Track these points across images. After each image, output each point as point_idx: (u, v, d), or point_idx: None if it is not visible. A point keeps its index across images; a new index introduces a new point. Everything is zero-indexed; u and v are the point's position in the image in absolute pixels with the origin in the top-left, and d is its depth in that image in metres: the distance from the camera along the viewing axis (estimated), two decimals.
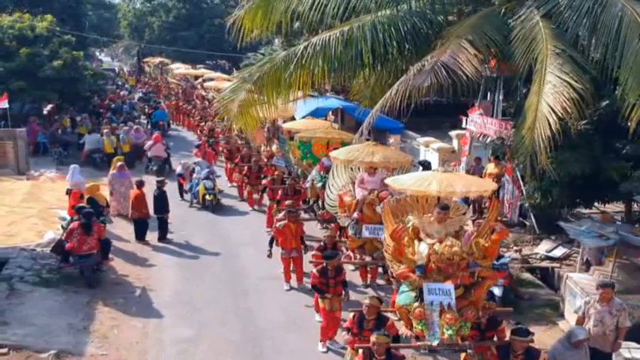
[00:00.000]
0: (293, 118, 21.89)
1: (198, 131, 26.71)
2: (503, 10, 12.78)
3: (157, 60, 47.75)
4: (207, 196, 18.27)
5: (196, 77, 36.45)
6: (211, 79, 31.88)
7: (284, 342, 10.45)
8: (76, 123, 28.31)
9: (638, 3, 10.88)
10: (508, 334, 8.00)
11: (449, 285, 8.03)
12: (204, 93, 31.45)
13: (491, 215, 8.59)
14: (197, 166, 19.21)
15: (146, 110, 34.31)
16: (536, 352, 7.81)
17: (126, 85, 48.79)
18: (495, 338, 8.37)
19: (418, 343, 8.57)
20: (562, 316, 10.79)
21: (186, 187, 19.18)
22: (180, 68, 40.54)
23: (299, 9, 12.78)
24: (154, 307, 11.80)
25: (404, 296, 8.50)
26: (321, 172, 15.39)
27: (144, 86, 45.12)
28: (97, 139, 23.22)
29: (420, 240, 8.42)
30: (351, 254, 12.50)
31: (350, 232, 12.25)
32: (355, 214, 12.15)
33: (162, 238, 15.37)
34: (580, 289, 10.18)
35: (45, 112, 29.25)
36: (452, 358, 9.53)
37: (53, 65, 25.25)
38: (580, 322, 8.66)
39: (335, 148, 15.33)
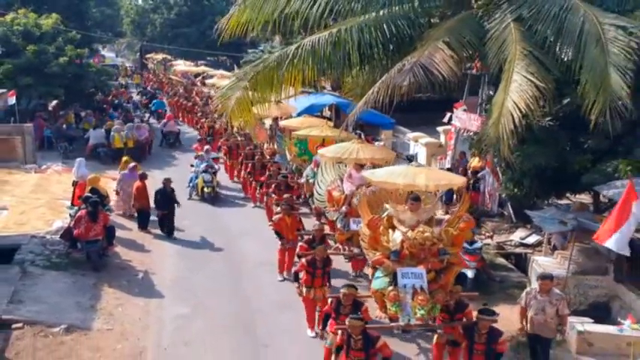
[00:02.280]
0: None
1: (199, 127, 27.66)
2: (480, 14, 13.69)
3: (160, 56, 48.69)
4: (205, 189, 19.21)
5: (197, 75, 37.36)
6: (211, 77, 32.81)
7: (276, 322, 11.37)
8: (81, 118, 29.36)
9: (598, 10, 11.86)
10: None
11: (421, 269, 8.80)
12: (204, 90, 32.36)
13: (463, 207, 9.48)
14: (197, 159, 20.13)
15: (143, 101, 35.80)
16: (499, 332, 8.55)
17: (129, 81, 49.71)
18: (464, 320, 9.10)
19: (392, 324, 9.42)
20: None
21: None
22: (181, 65, 41.41)
23: (286, 11, 13.63)
24: (156, 288, 12.81)
25: (379, 281, 9.26)
26: (314, 169, 16.14)
27: (148, 83, 46.10)
28: (101, 134, 24.22)
29: (394, 229, 9.26)
30: (340, 246, 13.27)
31: (338, 225, 13.03)
32: (344, 208, 12.95)
33: (166, 231, 15.97)
34: (543, 271, 11.14)
35: (50, 107, 30.26)
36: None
37: (59, 62, 26.22)
38: (522, 312, 9.41)
39: (319, 141, 16.24)
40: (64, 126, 27.49)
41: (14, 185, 19.08)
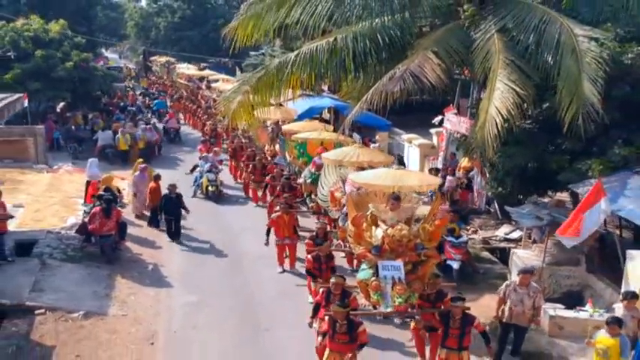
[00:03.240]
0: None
1: (205, 130, 28.67)
2: (467, 24, 14.65)
3: (163, 59, 49.67)
4: (209, 188, 20.22)
5: (201, 78, 38.36)
6: (216, 81, 33.81)
7: (275, 309, 12.36)
8: (87, 120, 30.44)
9: (574, 21, 12.84)
10: None
11: (399, 262, 9.76)
12: (208, 93, 33.37)
13: (435, 205, 10.47)
14: (202, 160, 21.14)
15: (146, 102, 37.12)
16: (472, 318, 9.34)
17: (135, 84, 50.62)
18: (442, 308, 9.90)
19: (374, 311, 10.39)
20: None
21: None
22: (185, 69, 42.30)
23: (287, 21, 14.63)
24: (165, 279, 13.82)
25: (363, 273, 10.25)
26: (312, 170, 16.91)
27: (152, 86, 47.00)
28: (109, 136, 25.29)
29: (376, 226, 10.24)
30: (341, 243, 14.07)
31: (340, 223, 13.77)
32: (344, 209, 13.93)
33: (173, 235, 16.32)
34: (521, 262, 12.16)
35: (58, 109, 31.31)
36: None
37: (65, 66, 27.27)
38: (500, 302, 10.24)
39: (325, 149, 17.16)
40: (73, 127, 28.54)
41: (28, 184, 20.05)
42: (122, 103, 36.12)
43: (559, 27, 12.66)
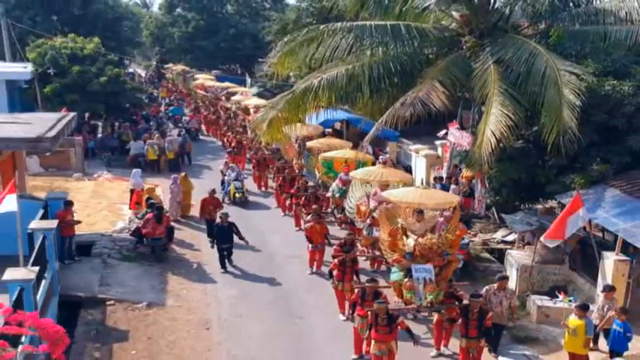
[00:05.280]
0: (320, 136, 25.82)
1: (226, 141, 30.84)
2: (468, 54, 16.90)
3: (179, 68, 51.81)
4: (236, 194, 22.48)
5: (217, 88, 40.55)
6: (234, 94, 36.04)
7: (306, 300, 14.57)
8: (114, 130, 32.72)
9: (558, 56, 15.04)
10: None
11: (429, 265, 11.74)
12: (227, 105, 35.58)
13: (455, 218, 12.66)
14: (228, 169, 23.36)
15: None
16: (486, 311, 11.39)
17: (155, 93, 52.77)
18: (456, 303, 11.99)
19: (408, 306, 12.41)
20: None
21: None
22: (201, 79, 44.34)
23: (316, 56, 16.92)
24: (209, 276, 16.04)
25: (396, 275, 12.24)
26: (339, 185, 18.99)
27: (171, 94, 49.18)
28: (140, 146, 27.56)
29: (407, 236, 12.29)
30: (365, 249, 16.12)
31: (364, 232, 15.88)
32: (368, 220, 15.86)
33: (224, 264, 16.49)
34: (515, 261, 14.40)
35: (85, 119, 33.55)
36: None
37: (99, 81, 29.54)
38: (483, 304, 11.81)
39: (349, 166, 19.31)
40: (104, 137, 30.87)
41: (75, 191, 22.22)
42: (144, 112, 38.36)
43: (545, 61, 14.83)
